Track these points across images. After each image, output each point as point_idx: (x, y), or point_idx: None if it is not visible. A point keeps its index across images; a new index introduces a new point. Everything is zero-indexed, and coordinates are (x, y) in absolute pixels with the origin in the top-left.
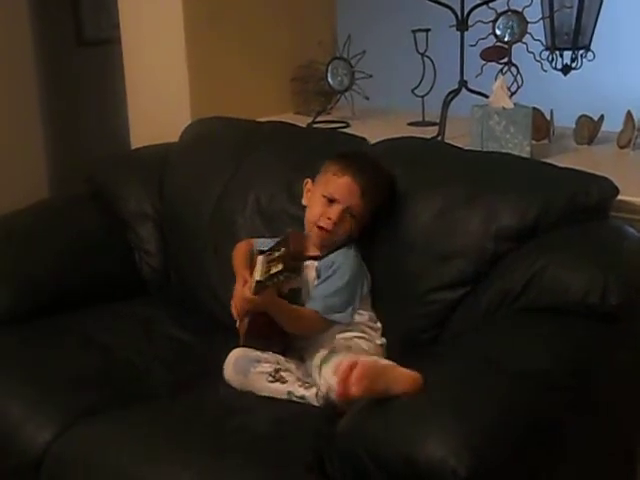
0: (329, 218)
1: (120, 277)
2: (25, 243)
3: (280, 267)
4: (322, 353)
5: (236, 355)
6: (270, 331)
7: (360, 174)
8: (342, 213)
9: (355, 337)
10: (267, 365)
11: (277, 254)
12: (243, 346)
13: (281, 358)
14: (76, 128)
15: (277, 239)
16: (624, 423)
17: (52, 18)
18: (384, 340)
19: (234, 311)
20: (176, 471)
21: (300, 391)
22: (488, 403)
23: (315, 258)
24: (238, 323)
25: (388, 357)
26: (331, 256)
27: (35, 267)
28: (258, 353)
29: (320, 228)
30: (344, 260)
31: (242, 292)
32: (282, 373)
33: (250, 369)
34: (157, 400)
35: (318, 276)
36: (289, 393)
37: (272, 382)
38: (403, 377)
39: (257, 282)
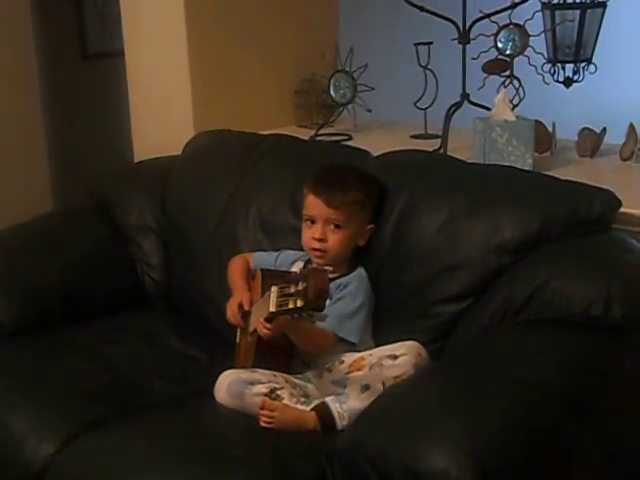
0: (314, 238)
1: (122, 290)
2: (28, 256)
3: (301, 304)
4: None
5: (228, 379)
6: (279, 351)
7: (318, 187)
8: (323, 228)
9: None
10: (261, 386)
11: (294, 289)
12: (253, 366)
13: (272, 375)
14: (79, 141)
15: (285, 269)
16: (630, 435)
17: (56, 32)
18: None
19: (232, 319)
20: None
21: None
22: (491, 414)
23: None
24: (238, 338)
25: None
26: (345, 278)
27: (38, 280)
28: (249, 374)
29: (314, 250)
30: (358, 284)
31: (262, 322)
32: (278, 392)
33: (245, 392)
34: (159, 413)
35: (329, 297)
36: None
37: None
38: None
39: (270, 313)
